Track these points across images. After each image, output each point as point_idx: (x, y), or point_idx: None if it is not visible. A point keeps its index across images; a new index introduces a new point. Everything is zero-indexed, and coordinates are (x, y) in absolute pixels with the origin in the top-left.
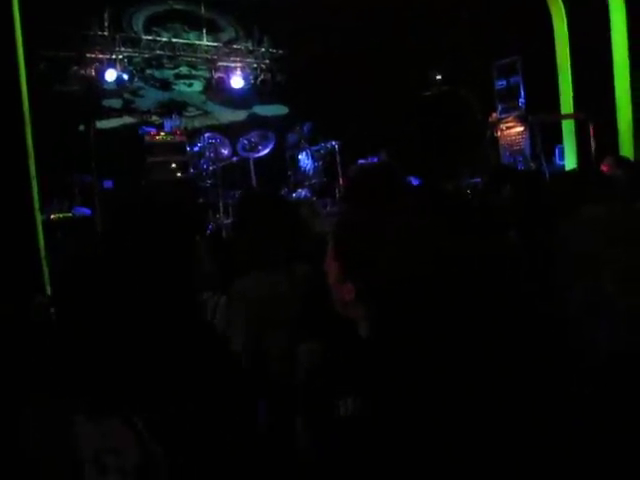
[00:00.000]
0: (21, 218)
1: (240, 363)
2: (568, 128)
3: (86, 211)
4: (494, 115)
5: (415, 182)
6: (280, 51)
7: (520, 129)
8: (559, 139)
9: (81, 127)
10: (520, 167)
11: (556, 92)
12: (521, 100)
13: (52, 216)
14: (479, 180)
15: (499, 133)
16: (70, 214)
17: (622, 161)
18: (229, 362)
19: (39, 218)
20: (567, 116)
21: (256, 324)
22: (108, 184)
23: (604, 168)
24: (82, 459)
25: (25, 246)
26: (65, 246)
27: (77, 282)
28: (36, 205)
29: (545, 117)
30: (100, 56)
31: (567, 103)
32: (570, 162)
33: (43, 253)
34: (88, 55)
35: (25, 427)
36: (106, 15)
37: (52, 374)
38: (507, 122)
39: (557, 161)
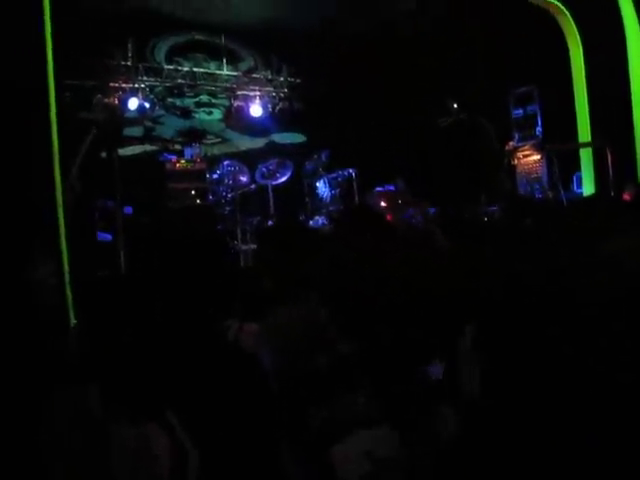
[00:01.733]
0: (48, 243)
1: (265, 380)
2: (586, 156)
3: (107, 236)
4: (511, 143)
5: (431, 210)
6: (298, 80)
7: (537, 157)
8: (577, 167)
9: (103, 154)
10: (537, 195)
11: (573, 120)
12: (538, 129)
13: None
14: (495, 208)
15: (516, 161)
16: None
17: None
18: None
19: (64, 243)
20: (584, 144)
21: (287, 351)
22: (128, 210)
23: (626, 196)
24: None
25: (50, 270)
26: (87, 271)
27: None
28: (62, 231)
29: (562, 145)
30: (123, 85)
31: (584, 131)
32: (588, 190)
33: (68, 278)
34: (111, 84)
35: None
36: (130, 45)
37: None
38: (524, 150)
39: (575, 189)
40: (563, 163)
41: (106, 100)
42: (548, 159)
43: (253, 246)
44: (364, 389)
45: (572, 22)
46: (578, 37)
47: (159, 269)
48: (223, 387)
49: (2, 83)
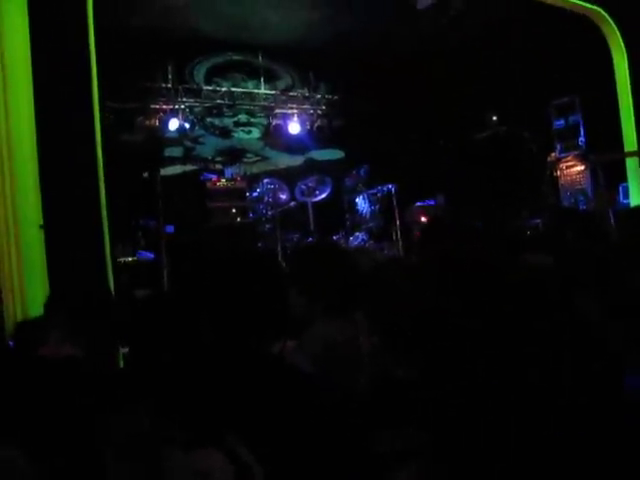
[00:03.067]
0: (94, 262)
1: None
2: (632, 166)
3: (149, 255)
4: (553, 155)
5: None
6: (335, 97)
7: (580, 168)
8: (623, 177)
9: (145, 174)
10: (582, 207)
11: (618, 130)
12: (581, 139)
13: (118, 260)
14: (539, 220)
15: (559, 173)
16: (135, 258)
17: None
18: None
19: (110, 263)
20: (630, 154)
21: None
22: (169, 229)
23: None
24: None
25: (96, 289)
26: (131, 289)
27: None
28: (108, 251)
29: (606, 155)
30: (164, 107)
31: (630, 140)
32: (636, 200)
33: (113, 297)
34: (152, 106)
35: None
36: (170, 68)
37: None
38: (567, 161)
39: (621, 199)
40: (608, 174)
41: (147, 122)
42: (592, 170)
43: None
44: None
45: (616, 30)
46: (622, 45)
47: (204, 288)
48: (282, 407)
49: (52, 105)
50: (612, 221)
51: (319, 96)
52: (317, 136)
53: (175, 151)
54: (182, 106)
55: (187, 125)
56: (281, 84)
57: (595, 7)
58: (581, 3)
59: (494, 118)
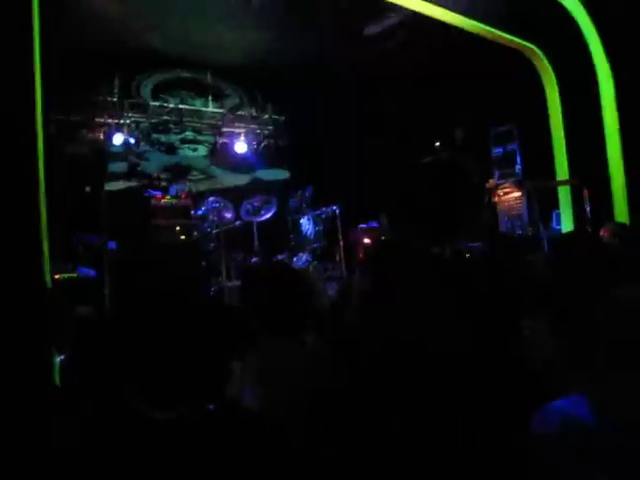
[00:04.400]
0: (31, 278)
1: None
2: (564, 193)
3: (90, 272)
4: (491, 181)
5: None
6: (282, 117)
7: (517, 194)
8: (556, 204)
9: (87, 189)
10: (518, 232)
11: (552, 158)
12: (517, 166)
13: (56, 276)
14: (478, 244)
15: (497, 199)
16: (74, 274)
17: (624, 232)
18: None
19: (49, 279)
20: (562, 182)
21: (268, 397)
22: (111, 245)
23: (603, 234)
24: None
25: (34, 305)
26: (70, 307)
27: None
28: (47, 267)
29: (541, 183)
30: (108, 120)
31: (562, 169)
32: (566, 227)
33: (52, 314)
34: (97, 119)
35: None
36: (116, 82)
37: None
38: (504, 188)
39: (554, 226)
40: (543, 200)
41: (91, 135)
42: (528, 196)
43: (237, 282)
44: None
45: (547, 63)
46: (553, 78)
47: (146, 311)
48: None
49: None
50: (545, 246)
51: (266, 116)
52: (263, 156)
53: (119, 166)
54: (127, 121)
55: (132, 140)
56: (229, 103)
57: (528, 44)
58: (516, 40)
59: (437, 144)
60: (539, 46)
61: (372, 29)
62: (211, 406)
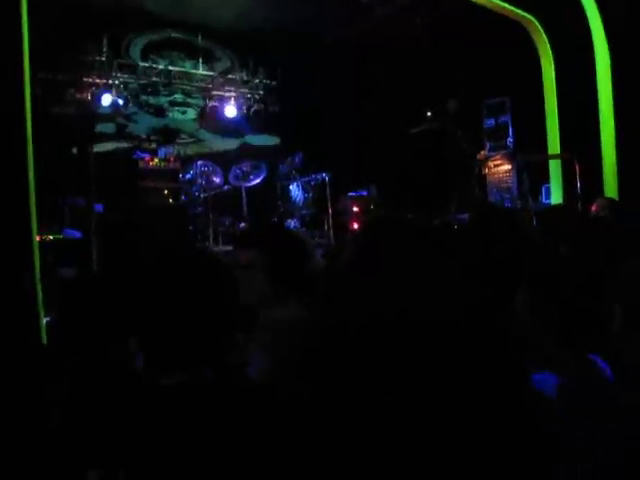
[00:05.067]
0: (17, 239)
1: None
2: (555, 168)
3: (76, 233)
4: (482, 153)
5: None
6: (274, 82)
7: (507, 167)
8: (546, 178)
9: (74, 150)
10: (507, 204)
11: (544, 132)
12: (509, 139)
13: (43, 237)
14: (465, 216)
15: (487, 171)
16: (60, 236)
17: (615, 206)
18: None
19: (35, 239)
20: (554, 156)
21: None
22: (98, 207)
23: (593, 208)
24: None
25: (20, 267)
26: (56, 268)
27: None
28: (34, 226)
29: (532, 157)
30: (97, 81)
31: (554, 143)
32: (556, 201)
33: (38, 275)
34: (85, 79)
35: None
36: (105, 41)
37: None
38: (495, 160)
39: (543, 200)
40: (533, 174)
41: (79, 95)
42: (518, 169)
43: (225, 248)
44: None
45: (544, 36)
46: (550, 51)
47: (137, 278)
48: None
49: None
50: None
51: (257, 81)
52: (253, 121)
53: (107, 127)
54: (116, 81)
55: (121, 101)
56: (220, 66)
57: (527, 15)
58: (515, 10)
59: (428, 114)
60: (538, 18)
61: None
62: (210, 372)
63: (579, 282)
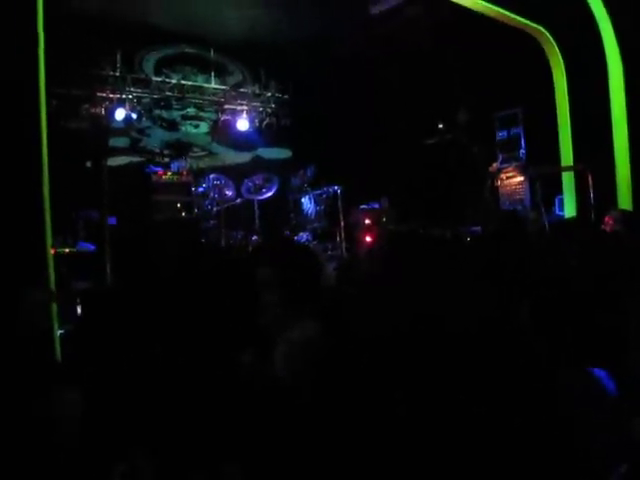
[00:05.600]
0: (33, 252)
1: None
2: (568, 179)
3: (90, 246)
4: (494, 165)
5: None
6: (285, 96)
7: (520, 179)
8: (559, 189)
9: (88, 164)
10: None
11: (556, 143)
12: (521, 151)
13: (57, 250)
14: (479, 228)
15: (499, 183)
16: (75, 249)
17: (628, 218)
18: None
19: (50, 252)
20: (567, 168)
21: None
22: (112, 221)
23: (607, 220)
24: None
25: (35, 280)
26: (70, 281)
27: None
28: (49, 240)
29: (545, 168)
30: (110, 95)
31: (567, 155)
32: (569, 212)
33: (53, 287)
34: (99, 94)
35: None
36: (118, 56)
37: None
38: (507, 172)
39: (556, 211)
40: (545, 185)
41: (93, 110)
42: (531, 181)
43: None
44: None
45: (555, 47)
46: (561, 62)
47: (154, 286)
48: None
49: None
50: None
51: (269, 94)
52: (265, 134)
53: (121, 141)
54: (130, 96)
55: (134, 115)
56: (231, 80)
57: (538, 26)
58: (525, 22)
59: (440, 126)
60: (548, 28)
61: (378, 7)
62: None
63: (585, 294)
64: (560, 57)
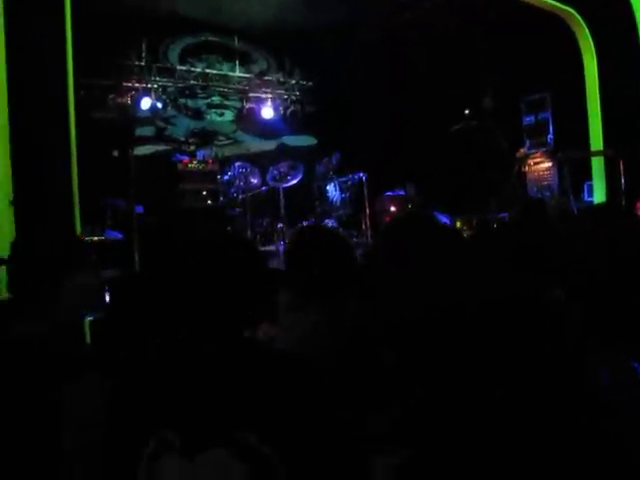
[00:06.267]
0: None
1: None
2: (597, 165)
3: (118, 235)
4: (522, 150)
5: (444, 219)
6: (310, 83)
7: (548, 165)
8: (588, 175)
9: (115, 153)
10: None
11: (585, 128)
12: (549, 136)
13: (86, 239)
14: (506, 214)
15: (527, 168)
16: (103, 237)
17: None
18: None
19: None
20: (597, 153)
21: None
22: (139, 209)
23: (639, 205)
24: None
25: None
26: (99, 269)
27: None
28: (78, 228)
29: (574, 153)
30: (136, 85)
31: (597, 140)
32: (599, 199)
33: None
34: (125, 84)
35: None
36: (143, 46)
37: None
38: (535, 158)
39: (585, 197)
40: (574, 171)
41: (119, 100)
42: (559, 167)
43: (263, 248)
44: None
45: (586, 30)
46: (592, 46)
47: (179, 271)
48: (282, 395)
49: (26, 79)
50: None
51: (293, 82)
52: (290, 122)
53: (147, 130)
54: (155, 85)
55: (159, 105)
56: (256, 68)
57: (568, 8)
58: (555, 3)
59: (466, 112)
60: (579, 11)
61: None
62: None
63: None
64: (591, 40)
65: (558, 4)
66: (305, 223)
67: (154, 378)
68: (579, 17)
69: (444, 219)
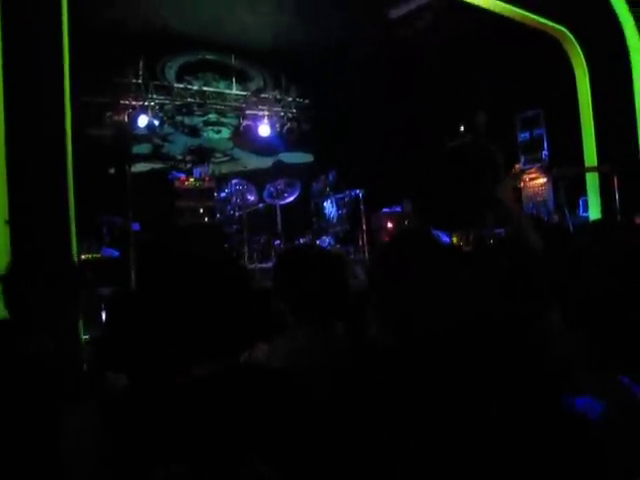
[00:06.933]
0: (59, 258)
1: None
2: (592, 180)
3: (114, 252)
4: (517, 166)
5: (444, 237)
6: (306, 100)
7: (543, 181)
8: (583, 191)
9: (112, 170)
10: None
11: (579, 144)
12: (544, 152)
13: (83, 256)
14: (502, 230)
15: (522, 184)
16: (99, 255)
17: None
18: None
19: (75, 259)
20: (591, 169)
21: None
22: (135, 227)
23: (638, 221)
24: None
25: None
26: (96, 286)
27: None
28: (74, 246)
29: (569, 170)
30: (133, 103)
31: (591, 155)
32: (594, 214)
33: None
34: (122, 101)
35: None
36: (141, 64)
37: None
38: (530, 174)
39: (581, 213)
40: (569, 187)
41: (116, 117)
42: (554, 183)
43: (260, 265)
44: None
45: (578, 48)
46: (584, 63)
47: (171, 290)
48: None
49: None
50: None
51: (290, 99)
52: (286, 139)
53: (143, 148)
54: (152, 103)
55: (156, 122)
56: (253, 85)
57: (560, 27)
58: (546, 22)
59: (461, 128)
60: (570, 29)
61: (397, 11)
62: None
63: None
64: (582, 58)
65: (551, 23)
66: (302, 240)
67: (158, 410)
68: (571, 35)
69: (443, 236)
